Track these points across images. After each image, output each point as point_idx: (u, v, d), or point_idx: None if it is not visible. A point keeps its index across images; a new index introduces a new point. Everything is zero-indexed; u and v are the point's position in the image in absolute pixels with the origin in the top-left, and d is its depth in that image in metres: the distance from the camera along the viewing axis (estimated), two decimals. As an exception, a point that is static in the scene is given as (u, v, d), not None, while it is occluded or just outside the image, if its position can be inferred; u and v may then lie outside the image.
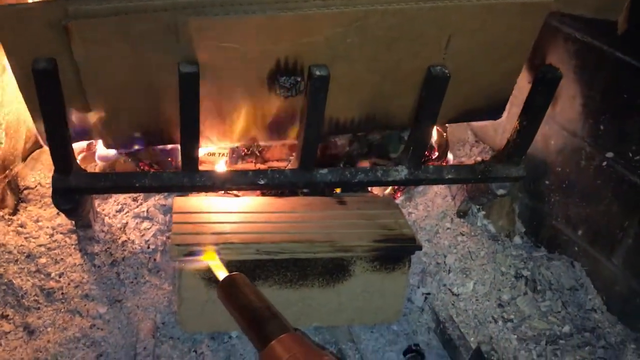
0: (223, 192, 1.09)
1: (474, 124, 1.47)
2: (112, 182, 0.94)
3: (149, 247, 1.13)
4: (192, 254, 0.94)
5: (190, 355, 1.02)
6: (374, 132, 1.13)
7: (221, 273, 0.87)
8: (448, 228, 1.28)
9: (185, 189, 1.00)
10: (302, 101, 0.93)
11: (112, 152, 1.09)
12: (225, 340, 1.05)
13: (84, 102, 0.89)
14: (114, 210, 1.18)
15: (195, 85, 0.83)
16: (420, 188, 1.33)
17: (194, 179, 0.96)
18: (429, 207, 1.31)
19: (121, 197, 1.20)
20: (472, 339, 1.11)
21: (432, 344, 1.10)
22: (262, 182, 0.99)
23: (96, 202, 1.19)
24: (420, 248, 1.02)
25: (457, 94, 1.00)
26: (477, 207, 1.31)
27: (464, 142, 1.45)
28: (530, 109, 1.00)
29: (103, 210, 1.19)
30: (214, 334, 1.05)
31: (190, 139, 0.91)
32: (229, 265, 0.96)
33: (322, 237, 0.99)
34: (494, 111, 1.07)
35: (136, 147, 0.97)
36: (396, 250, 1.01)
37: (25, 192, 1.23)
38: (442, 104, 0.96)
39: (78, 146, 1.20)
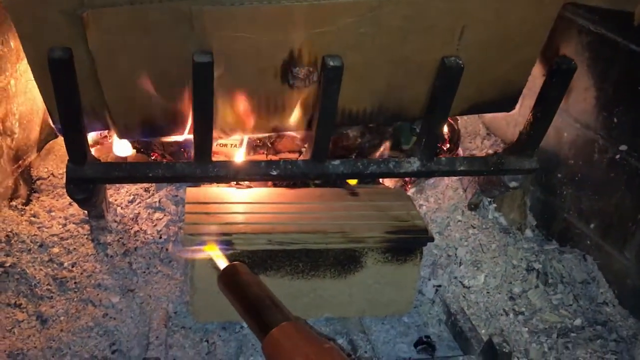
0: (235, 183, 1.09)
1: (486, 116, 1.47)
2: (125, 172, 0.95)
3: (161, 237, 1.13)
4: (204, 244, 0.94)
5: (202, 345, 1.03)
6: (386, 124, 1.13)
7: (221, 263, 0.88)
8: (459, 221, 1.28)
9: (197, 180, 1.00)
10: (316, 91, 0.93)
11: (128, 148, 1.10)
12: (236, 330, 1.05)
13: (99, 92, 0.89)
14: (127, 201, 1.19)
15: (209, 75, 0.83)
16: (432, 180, 1.33)
17: (206, 169, 0.97)
18: (440, 200, 1.31)
19: (133, 188, 1.21)
20: (483, 331, 1.11)
21: (443, 336, 1.10)
22: (274, 172, 0.99)
23: (109, 193, 1.20)
24: (432, 239, 1.02)
25: (471, 85, 1.00)
26: (489, 199, 1.30)
27: (476, 135, 1.44)
28: (544, 101, 1.00)
29: (115, 200, 1.19)
30: (225, 323, 1.05)
31: (204, 130, 0.91)
32: (241, 255, 0.97)
33: (334, 228, 0.99)
34: (507, 103, 1.07)
35: (150, 137, 0.97)
36: (408, 242, 1.01)
37: (38, 182, 1.24)
38: (455, 95, 0.95)
39: (92, 138, 1.21)
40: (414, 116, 1.04)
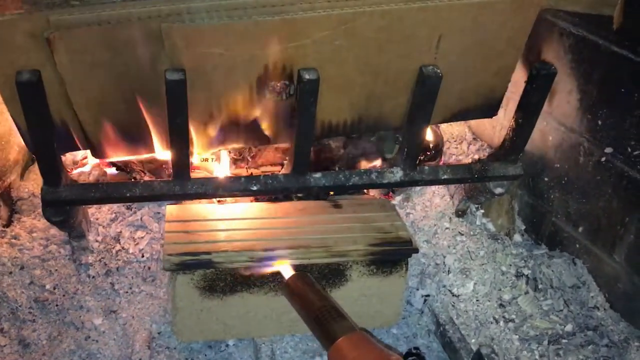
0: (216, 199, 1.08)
1: (472, 121, 1.45)
2: (102, 192, 0.93)
3: (143, 256, 1.12)
4: (185, 264, 0.92)
5: (188, 365, 1.01)
6: (368, 134, 1.12)
7: (287, 271, 0.90)
8: (447, 228, 1.27)
9: (177, 198, 0.99)
10: (293, 105, 0.92)
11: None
12: (222, 348, 1.03)
13: (71, 112, 0.88)
14: (108, 219, 1.17)
15: (183, 93, 0.82)
16: (418, 188, 1.31)
17: (185, 187, 0.95)
18: (427, 207, 1.29)
19: (115, 206, 1.19)
20: (473, 340, 1.10)
21: (432, 346, 1.09)
22: (255, 188, 0.98)
23: (90, 211, 1.18)
24: (416, 251, 1.00)
25: (451, 93, 0.99)
26: (476, 206, 1.29)
27: (461, 140, 1.43)
28: (526, 106, 0.98)
29: (97, 219, 1.17)
30: (210, 342, 1.04)
31: (180, 147, 0.90)
32: (222, 273, 0.95)
33: (316, 243, 0.97)
34: (488, 109, 1.06)
35: (126, 156, 0.96)
36: (392, 254, 0.99)
37: (19, 202, 1.22)
38: (436, 103, 0.94)
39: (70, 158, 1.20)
40: (395, 125, 1.03)
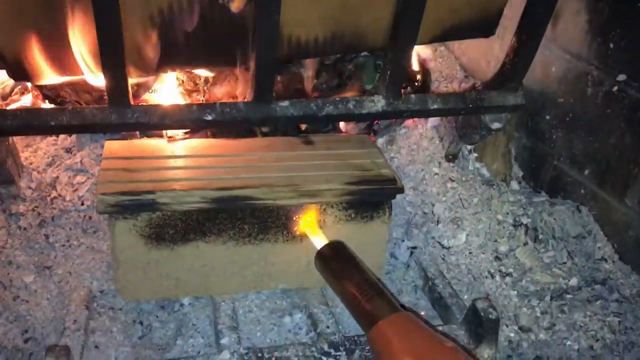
0: (166, 134, 0.92)
1: (463, 57, 1.30)
2: (21, 120, 0.76)
3: (83, 204, 0.96)
4: (123, 205, 0.77)
5: (135, 328, 0.86)
6: (345, 59, 0.96)
7: (318, 240, 0.78)
8: (436, 174, 1.12)
9: (114, 129, 0.82)
10: (252, 13, 0.76)
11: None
12: (175, 309, 0.89)
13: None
14: (44, 164, 1.01)
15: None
16: (403, 130, 1.16)
17: (124, 115, 0.79)
18: (413, 151, 1.14)
19: (52, 149, 1.03)
20: (465, 296, 0.96)
21: (420, 304, 0.95)
22: (209, 117, 0.82)
23: (23, 155, 1.01)
24: (401, 190, 0.85)
25: (441, 3, 0.83)
26: (469, 149, 1.14)
27: (453, 78, 1.28)
28: (530, 20, 0.83)
29: (31, 164, 1.01)
30: (163, 302, 0.89)
31: (113, 62, 0.73)
32: (171, 218, 0.80)
33: (283, 181, 0.82)
34: (485, 26, 0.90)
35: (53, 77, 0.79)
36: (373, 194, 0.84)
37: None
38: (424, 17, 0.79)
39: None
40: (375, 45, 0.87)
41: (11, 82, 1.06)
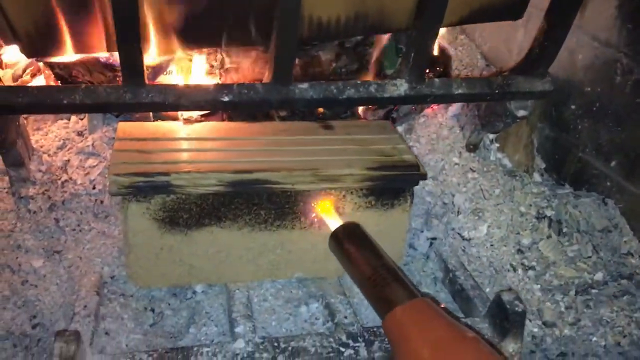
0: (181, 116, 0.89)
1: (484, 45, 1.27)
2: (32, 97, 0.74)
3: (94, 188, 0.93)
4: (136, 187, 0.74)
5: (147, 315, 0.83)
6: (366, 42, 0.93)
7: (333, 221, 0.75)
8: (456, 164, 1.09)
9: (128, 108, 0.80)
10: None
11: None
12: (188, 296, 0.86)
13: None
14: (55, 147, 0.98)
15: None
16: (422, 119, 1.13)
17: (138, 94, 0.76)
18: (433, 140, 1.11)
19: (63, 131, 1.00)
20: (487, 289, 0.93)
21: (439, 296, 0.92)
22: (226, 99, 0.79)
23: (34, 139, 0.99)
24: (424, 177, 0.82)
25: (469, -18, 0.80)
26: (490, 139, 1.11)
27: (473, 67, 1.24)
28: (562, 1, 0.80)
29: (42, 147, 0.98)
30: (175, 289, 0.86)
31: (128, 37, 0.71)
32: (185, 202, 0.78)
33: (302, 165, 0.79)
34: (515, 7, 0.86)
35: (61, 54, 0.76)
36: (395, 180, 0.81)
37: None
38: (451, -4, 0.76)
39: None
40: (400, 25, 0.83)
41: (23, 63, 1.04)
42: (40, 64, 0.97)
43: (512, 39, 1.14)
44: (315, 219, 0.83)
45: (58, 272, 0.86)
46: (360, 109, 1.02)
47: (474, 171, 1.08)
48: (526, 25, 1.11)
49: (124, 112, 0.88)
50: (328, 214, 0.79)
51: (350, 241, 0.71)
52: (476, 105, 1.04)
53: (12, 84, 0.95)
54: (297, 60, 0.91)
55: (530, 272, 0.98)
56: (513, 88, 0.88)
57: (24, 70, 1.02)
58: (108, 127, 0.98)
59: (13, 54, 1.01)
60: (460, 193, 1.05)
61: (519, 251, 1.00)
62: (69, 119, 1.02)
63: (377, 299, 0.63)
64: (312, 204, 0.81)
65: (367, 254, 0.68)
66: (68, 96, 0.75)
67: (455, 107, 1.12)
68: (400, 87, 0.84)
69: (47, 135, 1.00)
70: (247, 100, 0.80)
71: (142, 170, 0.74)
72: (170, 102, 0.78)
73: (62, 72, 0.89)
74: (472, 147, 1.10)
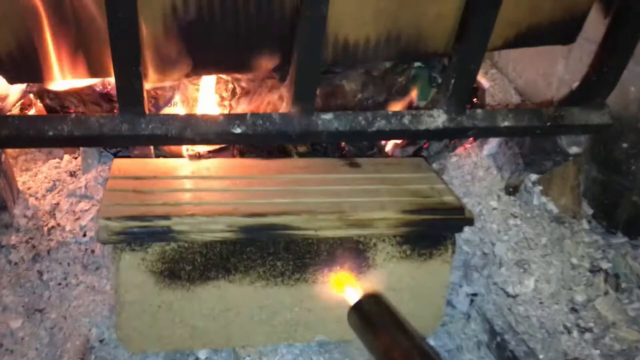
0: (187, 151, 0.78)
1: (519, 79, 1.16)
2: (14, 129, 0.63)
3: (85, 235, 0.81)
4: (130, 233, 0.62)
5: (140, 388, 0.70)
6: (395, 70, 0.82)
7: (352, 293, 0.64)
8: (494, 208, 0.96)
9: (125, 141, 0.69)
10: (297, 5, 0.63)
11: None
12: (189, 363, 0.73)
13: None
14: (44, 189, 0.87)
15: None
16: (454, 159, 1.01)
17: (136, 125, 0.66)
18: (467, 182, 0.99)
19: (54, 172, 0.89)
20: (541, 356, 0.79)
21: (485, 364, 0.78)
22: (238, 130, 0.68)
23: (20, 180, 0.88)
24: (471, 222, 0.70)
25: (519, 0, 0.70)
26: (532, 180, 0.99)
27: (506, 103, 1.13)
28: (623, 21, 0.69)
29: (29, 189, 0.87)
30: (174, 354, 0.73)
31: (127, 65, 0.61)
32: (188, 251, 0.65)
33: (327, 207, 0.67)
34: (566, 30, 0.76)
35: (48, 80, 0.66)
36: (436, 225, 0.69)
37: None
38: (498, 16, 0.65)
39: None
40: (436, 49, 0.73)
41: (13, 97, 0.94)
42: (31, 96, 0.87)
43: (552, 72, 1.04)
44: (340, 273, 0.70)
45: (38, 335, 0.73)
46: (388, 147, 0.91)
47: (515, 217, 0.96)
48: (567, 57, 1.01)
49: (119, 146, 0.78)
50: (346, 283, 0.67)
51: (374, 316, 0.60)
52: (517, 142, 0.93)
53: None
54: (317, 91, 0.81)
55: (588, 335, 0.84)
56: (567, 120, 0.76)
57: (14, 104, 0.92)
58: (104, 166, 0.87)
59: (1, 86, 0.91)
60: (501, 242, 0.92)
61: (573, 310, 0.87)
62: (62, 158, 0.91)
63: None
64: (338, 254, 0.69)
65: (394, 333, 0.57)
66: (54, 127, 0.64)
67: (491, 145, 1.00)
68: (438, 118, 0.73)
69: (36, 176, 0.89)
70: (262, 133, 0.69)
71: (138, 213, 0.62)
72: (174, 134, 0.67)
73: (53, 102, 0.79)
74: (512, 190, 0.98)
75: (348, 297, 0.64)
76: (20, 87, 0.85)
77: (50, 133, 0.64)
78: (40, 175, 0.89)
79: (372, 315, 0.61)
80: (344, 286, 0.67)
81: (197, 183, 0.71)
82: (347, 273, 0.70)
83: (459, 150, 1.02)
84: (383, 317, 0.60)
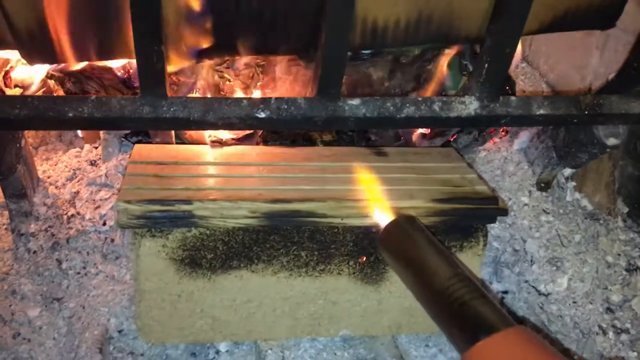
0: (209, 137, 0.76)
1: (551, 73, 1.13)
2: (32, 109, 0.62)
3: (105, 224, 0.80)
4: (151, 218, 0.60)
5: (158, 380, 0.68)
6: (424, 57, 0.79)
7: (383, 216, 0.58)
8: (525, 204, 0.93)
9: (146, 124, 0.66)
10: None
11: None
12: (210, 356, 0.71)
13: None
14: (64, 178, 0.86)
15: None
16: (483, 153, 0.98)
17: (158, 107, 0.63)
18: (497, 177, 0.96)
19: (75, 160, 0.88)
20: (575, 357, 0.76)
21: (518, 364, 0.74)
22: (262, 115, 0.66)
23: (41, 169, 0.87)
24: (505, 212, 0.67)
25: (557, -21, 0.67)
26: (565, 176, 0.95)
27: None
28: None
29: (49, 177, 0.86)
30: (195, 346, 0.71)
31: (149, 44, 0.59)
32: (209, 237, 0.63)
33: (353, 194, 0.64)
34: (606, 14, 0.73)
35: (75, 60, 0.64)
36: (469, 215, 0.66)
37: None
38: (533, -2, 0.63)
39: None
40: (469, 33, 0.70)
41: (35, 84, 0.93)
42: (52, 82, 0.86)
43: (586, 65, 1.00)
44: (368, 264, 0.68)
45: (56, 324, 0.72)
46: (415, 137, 0.88)
47: (547, 213, 0.92)
48: (602, 48, 0.97)
49: (140, 129, 0.76)
50: (377, 202, 0.62)
51: (410, 241, 0.53)
52: (551, 135, 0.89)
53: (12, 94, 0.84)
54: (343, 78, 0.78)
55: (624, 336, 0.80)
56: (605, 109, 0.73)
57: (37, 91, 0.91)
58: (125, 154, 0.86)
59: (25, 71, 0.90)
60: (532, 238, 0.89)
61: (609, 310, 0.83)
62: (82, 148, 0.90)
63: (454, 323, 0.46)
64: (365, 244, 0.66)
65: (434, 261, 0.50)
66: (74, 108, 0.62)
67: (522, 139, 0.97)
68: (470, 105, 0.70)
69: (57, 165, 0.88)
70: (287, 118, 0.67)
71: (159, 197, 0.60)
72: (196, 118, 0.65)
73: (74, 87, 0.77)
74: (544, 186, 0.94)
75: (379, 218, 0.59)
76: (42, 74, 0.84)
77: (70, 114, 0.62)
78: (61, 164, 0.88)
79: (406, 238, 0.54)
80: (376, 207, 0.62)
81: (219, 169, 0.68)
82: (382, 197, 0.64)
83: (488, 144, 0.98)
84: (419, 240, 0.53)
